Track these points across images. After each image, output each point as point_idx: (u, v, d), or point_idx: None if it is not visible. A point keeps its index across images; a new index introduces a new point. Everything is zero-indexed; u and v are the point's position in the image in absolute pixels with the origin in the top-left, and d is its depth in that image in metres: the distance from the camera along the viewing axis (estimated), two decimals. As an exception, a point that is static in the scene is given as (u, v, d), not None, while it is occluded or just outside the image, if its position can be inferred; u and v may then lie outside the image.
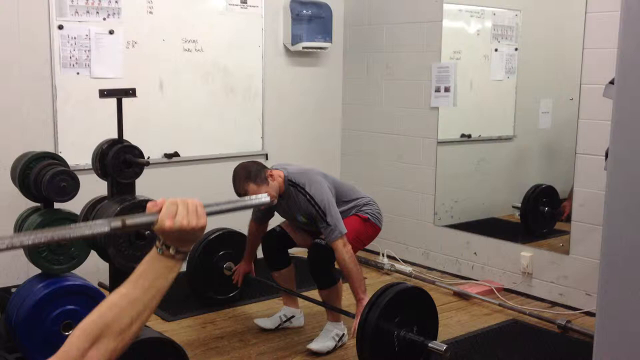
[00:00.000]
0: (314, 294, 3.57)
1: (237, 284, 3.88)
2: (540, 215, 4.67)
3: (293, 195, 3.37)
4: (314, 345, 3.40)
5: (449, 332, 3.68)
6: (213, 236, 3.96)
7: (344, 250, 3.24)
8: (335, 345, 3.43)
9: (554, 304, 4.12)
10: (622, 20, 1.52)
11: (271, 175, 3.33)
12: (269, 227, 3.72)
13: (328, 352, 3.39)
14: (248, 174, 3.27)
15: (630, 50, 1.49)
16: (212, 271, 3.94)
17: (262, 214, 3.64)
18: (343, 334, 3.47)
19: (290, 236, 3.64)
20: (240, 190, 3.28)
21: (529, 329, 3.77)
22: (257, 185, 3.25)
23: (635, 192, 1.53)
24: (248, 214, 3.73)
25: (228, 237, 3.99)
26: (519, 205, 4.76)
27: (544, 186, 4.70)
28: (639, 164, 1.52)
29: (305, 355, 3.38)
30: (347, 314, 3.36)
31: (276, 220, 3.70)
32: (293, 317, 3.72)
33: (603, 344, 1.64)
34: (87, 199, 3.11)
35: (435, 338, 3.11)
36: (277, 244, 3.65)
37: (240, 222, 3.82)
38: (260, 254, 3.76)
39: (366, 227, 3.54)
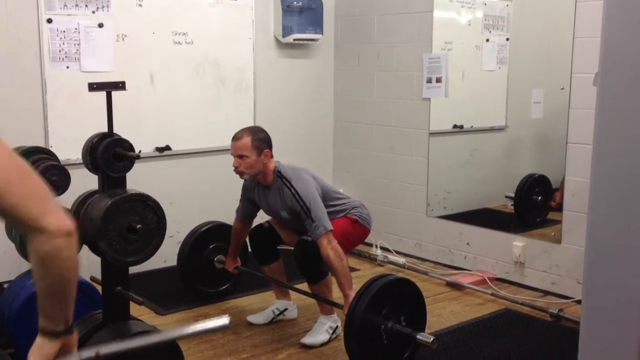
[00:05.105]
0: (306, 286, 3.57)
1: (232, 273, 3.89)
2: (533, 205, 4.67)
3: (279, 187, 3.37)
4: (307, 340, 3.41)
5: (441, 322, 3.70)
6: (203, 230, 3.95)
7: (328, 247, 3.22)
8: (329, 338, 3.43)
9: (546, 293, 4.14)
10: (605, 6, 1.52)
11: (267, 157, 3.35)
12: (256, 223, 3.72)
13: (322, 345, 3.40)
14: (256, 133, 3.37)
15: (613, 37, 1.49)
16: (203, 265, 3.93)
17: (247, 211, 3.63)
18: (337, 326, 3.47)
19: (278, 233, 3.64)
20: (239, 134, 3.37)
21: (521, 318, 3.79)
22: (251, 145, 3.31)
23: (619, 181, 1.53)
24: (236, 207, 3.72)
25: (218, 230, 3.97)
26: (512, 195, 4.77)
27: (536, 176, 4.71)
28: (622, 151, 1.52)
29: (299, 348, 3.39)
30: (337, 305, 3.37)
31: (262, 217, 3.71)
32: (286, 309, 3.72)
33: (589, 331, 1.66)
34: (79, 193, 3.10)
35: (423, 329, 3.12)
36: (266, 239, 3.65)
37: (231, 216, 3.81)
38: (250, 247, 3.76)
39: (355, 228, 3.53)
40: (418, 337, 2.98)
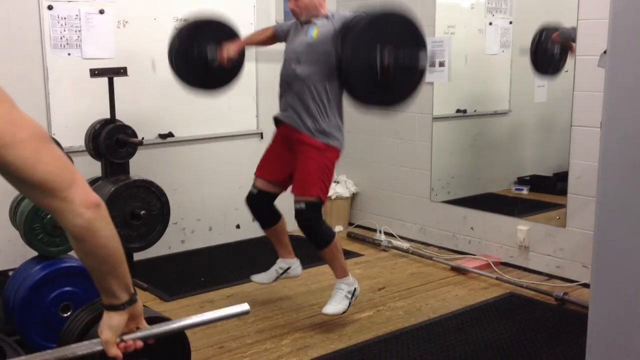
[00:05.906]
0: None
1: (225, 63, 3.65)
2: (550, 55, 4.58)
3: (323, 21, 3.35)
4: (329, 309, 3.35)
5: (446, 307, 3.70)
6: (198, 22, 3.75)
7: None
8: (350, 303, 3.40)
9: (550, 276, 4.14)
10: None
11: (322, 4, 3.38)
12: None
13: (344, 312, 3.37)
14: None
15: (622, 13, 1.48)
16: (197, 61, 3.69)
17: (273, 34, 3.69)
18: (354, 289, 3.44)
19: (268, 191, 3.53)
20: None
21: (526, 302, 3.79)
22: None
23: (629, 159, 1.52)
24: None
25: (215, 26, 3.76)
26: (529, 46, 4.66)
27: (552, 26, 4.61)
28: (631, 127, 1.51)
29: (304, 332, 3.39)
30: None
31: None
32: (289, 268, 3.70)
33: (597, 313, 1.65)
34: (82, 180, 3.09)
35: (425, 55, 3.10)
36: (261, 205, 3.57)
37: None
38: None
39: (325, 157, 3.37)
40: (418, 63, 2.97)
